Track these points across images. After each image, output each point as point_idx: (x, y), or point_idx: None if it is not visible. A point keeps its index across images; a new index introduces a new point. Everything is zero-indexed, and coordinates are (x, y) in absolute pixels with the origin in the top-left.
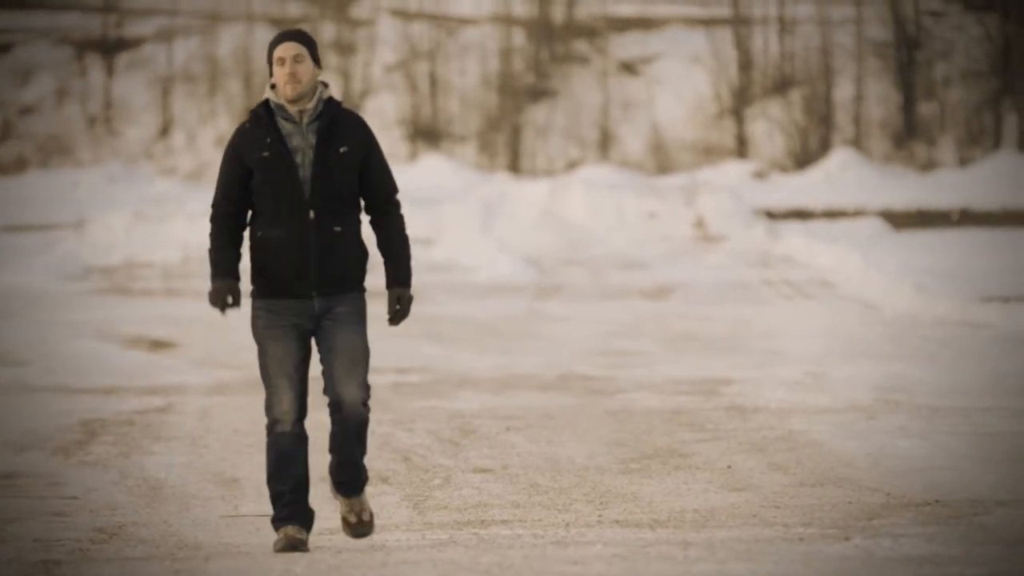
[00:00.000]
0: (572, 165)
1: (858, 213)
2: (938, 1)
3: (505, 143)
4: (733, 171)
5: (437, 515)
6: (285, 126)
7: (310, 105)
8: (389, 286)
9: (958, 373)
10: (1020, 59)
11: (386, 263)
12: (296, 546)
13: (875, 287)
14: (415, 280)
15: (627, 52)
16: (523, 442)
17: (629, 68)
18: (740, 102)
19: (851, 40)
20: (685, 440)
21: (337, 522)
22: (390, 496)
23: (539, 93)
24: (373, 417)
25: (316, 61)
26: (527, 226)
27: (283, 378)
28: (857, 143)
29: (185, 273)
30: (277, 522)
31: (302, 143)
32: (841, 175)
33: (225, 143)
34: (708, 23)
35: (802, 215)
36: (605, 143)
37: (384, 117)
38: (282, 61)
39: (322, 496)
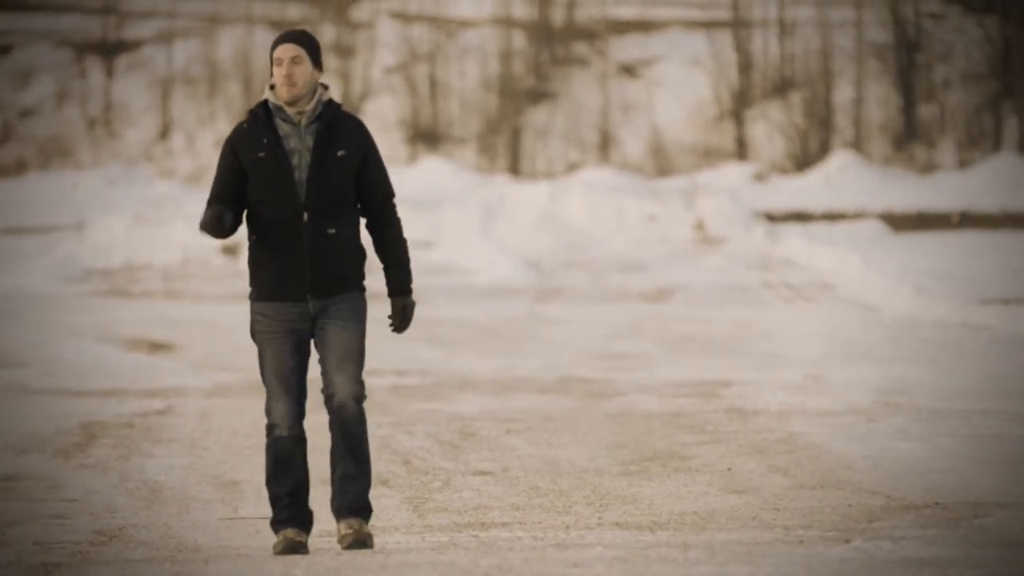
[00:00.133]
0: (572, 167)
1: (858, 215)
2: (938, 3)
3: (505, 145)
4: (733, 173)
5: (437, 517)
6: (283, 127)
7: (308, 107)
8: (391, 294)
9: (958, 375)
10: (1020, 61)
11: (386, 269)
12: (296, 549)
13: (875, 289)
14: (415, 283)
15: (627, 54)
16: (523, 444)
17: (629, 70)
18: (740, 104)
19: (851, 42)
20: (685, 442)
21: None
22: (390, 499)
23: (539, 95)
24: (373, 419)
25: (316, 64)
26: (527, 228)
27: (280, 383)
28: (857, 145)
29: (185, 275)
30: (276, 524)
31: (299, 145)
32: (841, 177)
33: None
34: (708, 26)
35: (802, 217)
36: (605, 145)
37: (384, 119)
38: (280, 62)
39: (323, 497)
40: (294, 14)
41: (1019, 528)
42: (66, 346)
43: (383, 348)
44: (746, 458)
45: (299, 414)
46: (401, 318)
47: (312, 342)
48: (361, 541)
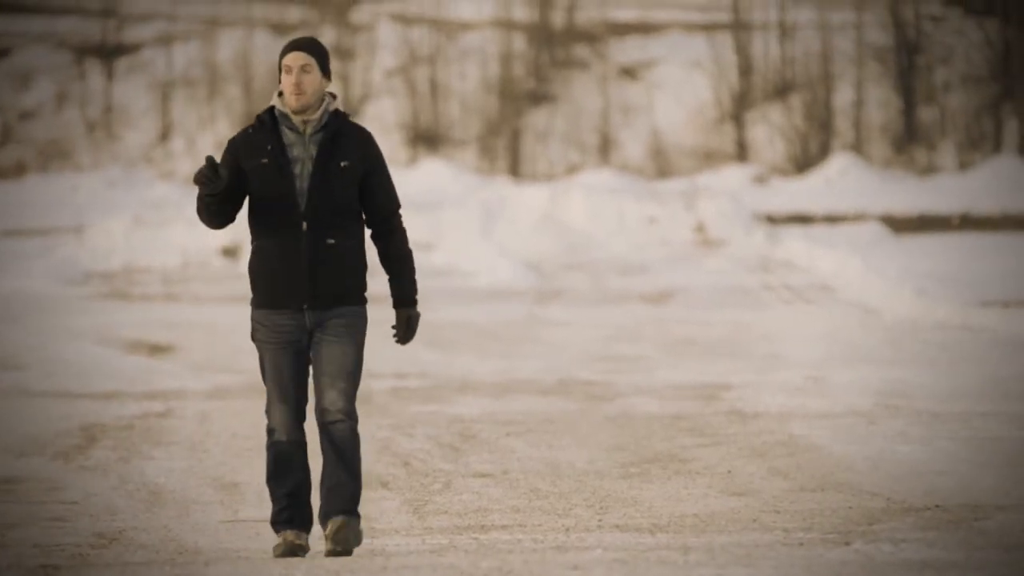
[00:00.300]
0: (572, 170)
1: (858, 217)
2: (938, 6)
3: (505, 147)
4: (733, 176)
5: (437, 520)
6: (288, 135)
7: (314, 116)
8: (396, 305)
9: (958, 377)
10: (1020, 64)
11: (390, 281)
12: (295, 551)
13: (875, 291)
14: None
15: (627, 57)
16: (523, 447)
17: (629, 73)
18: (740, 107)
19: (851, 45)
20: (685, 445)
21: None
22: (390, 501)
23: (539, 98)
24: (372, 422)
25: (325, 72)
26: (527, 231)
27: (279, 390)
28: (857, 148)
29: (184, 278)
30: (276, 524)
31: (303, 154)
32: (841, 180)
33: (225, 146)
34: (708, 28)
35: (802, 220)
36: (605, 148)
37: (384, 122)
38: (289, 70)
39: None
40: (294, 16)
41: (1019, 530)
42: (66, 348)
43: (383, 351)
44: (746, 460)
45: (298, 420)
46: (405, 329)
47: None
48: (345, 538)
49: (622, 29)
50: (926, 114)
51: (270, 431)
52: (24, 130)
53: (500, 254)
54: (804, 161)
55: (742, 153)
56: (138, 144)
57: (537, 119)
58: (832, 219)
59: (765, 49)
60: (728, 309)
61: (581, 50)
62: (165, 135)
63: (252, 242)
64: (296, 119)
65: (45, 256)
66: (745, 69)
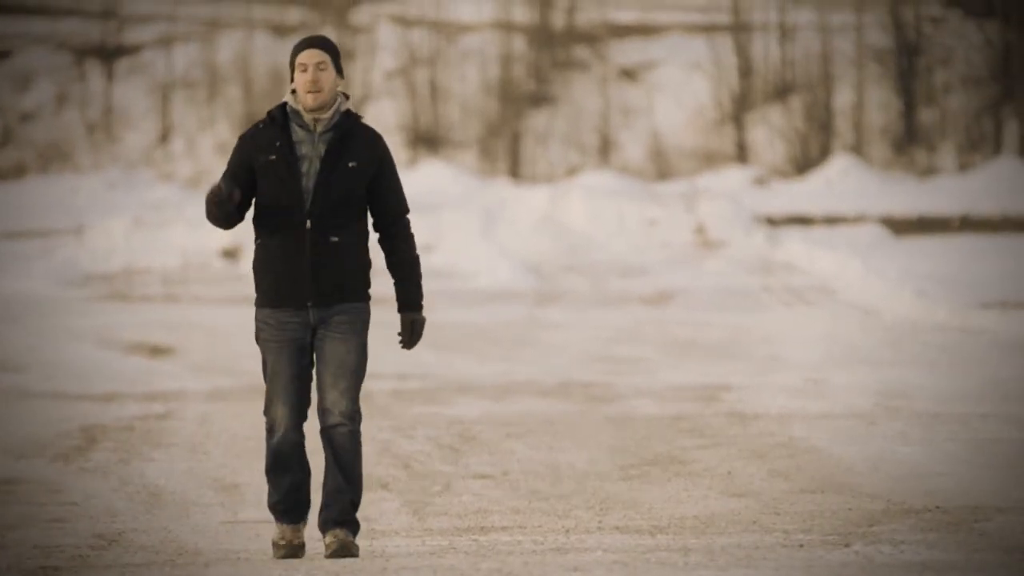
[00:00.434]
0: (572, 171)
1: (858, 219)
2: (938, 7)
3: (505, 149)
4: (733, 177)
5: (437, 521)
6: (298, 132)
7: (326, 115)
8: (400, 310)
9: (958, 379)
10: (1020, 65)
11: (396, 285)
12: (295, 553)
13: (875, 293)
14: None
15: (627, 59)
16: (523, 448)
17: (629, 74)
18: (740, 108)
19: (851, 46)
20: (685, 446)
21: None
22: (390, 502)
23: (539, 99)
24: (373, 424)
25: (339, 70)
26: (527, 232)
27: (280, 390)
28: (857, 149)
29: (184, 279)
30: (275, 513)
31: (311, 152)
32: (841, 181)
33: (227, 148)
34: (708, 30)
35: (802, 221)
36: (605, 149)
37: (384, 123)
38: (304, 68)
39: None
40: (294, 18)
41: (1019, 532)
42: (66, 350)
43: (384, 352)
44: (746, 462)
45: (298, 420)
46: (410, 334)
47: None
48: (346, 548)
49: (622, 31)
50: (926, 116)
51: (269, 430)
52: (24, 131)
53: (500, 255)
54: (804, 163)
55: (742, 155)
56: (138, 145)
57: (537, 121)
58: (832, 221)
59: (765, 51)
60: (728, 311)
61: (581, 52)
62: (165, 136)
63: (256, 240)
64: (307, 117)
65: (45, 257)
66: (745, 71)
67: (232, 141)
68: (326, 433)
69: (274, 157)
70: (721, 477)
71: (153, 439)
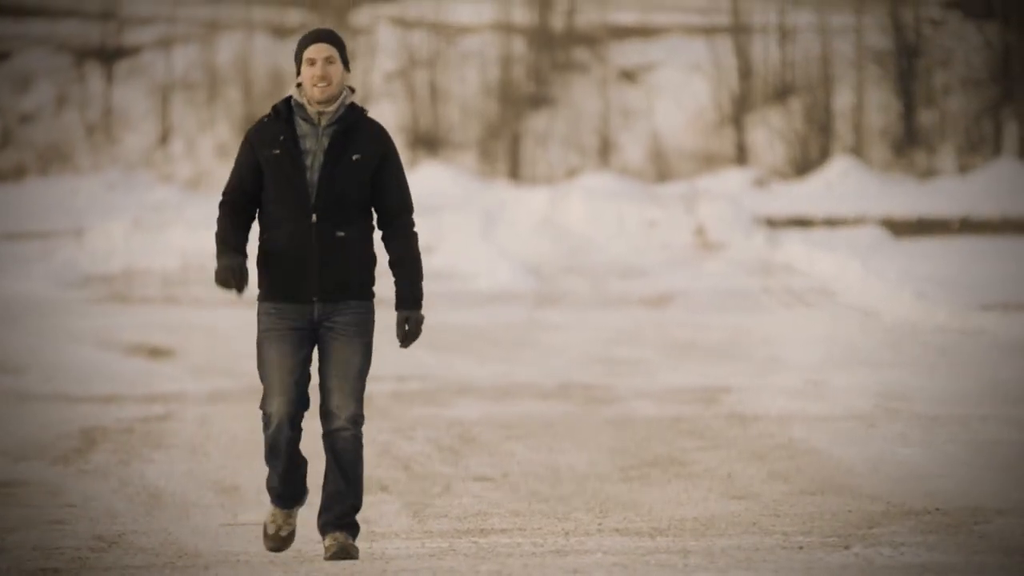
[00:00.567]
0: (572, 173)
1: (858, 221)
2: (938, 9)
3: (505, 151)
4: (733, 179)
5: (437, 523)
6: (302, 126)
7: (331, 108)
8: (398, 307)
9: (958, 381)
10: (1020, 67)
11: (396, 282)
12: (282, 545)
13: (875, 295)
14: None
15: (627, 60)
16: (523, 450)
17: (629, 76)
18: (740, 110)
19: (851, 48)
20: (685, 448)
21: None
22: (390, 504)
23: (539, 101)
24: (373, 425)
25: (345, 64)
26: (527, 234)
27: (277, 381)
28: (857, 151)
29: (184, 280)
30: (272, 495)
31: (315, 146)
32: (841, 183)
33: (227, 149)
34: (708, 31)
35: (802, 223)
36: (605, 151)
37: (384, 125)
38: (312, 62)
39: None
40: (294, 20)
41: (1019, 534)
42: (66, 351)
43: (384, 354)
44: (746, 464)
45: (295, 414)
46: (405, 332)
47: (315, 348)
48: (345, 551)
49: (622, 32)
50: (926, 117)
51: (265, 423)
52: (24, 133)
53: (500, 257)
54: (804, 164)
55: (742, 156)
56: (138, 147)
57: (537, 122)
58: (832, 222)
59: (765, 52)
60: (728, 312)
61: (581, 53)
62: (165, 138)
63: (261, 234)
64: (311, 110)
65: (45, 259)
66: (745, 72)
67: (232, 143)
68: (329, 436)
69: (278, 151)
70: (721, 479)
71: (153, 441)
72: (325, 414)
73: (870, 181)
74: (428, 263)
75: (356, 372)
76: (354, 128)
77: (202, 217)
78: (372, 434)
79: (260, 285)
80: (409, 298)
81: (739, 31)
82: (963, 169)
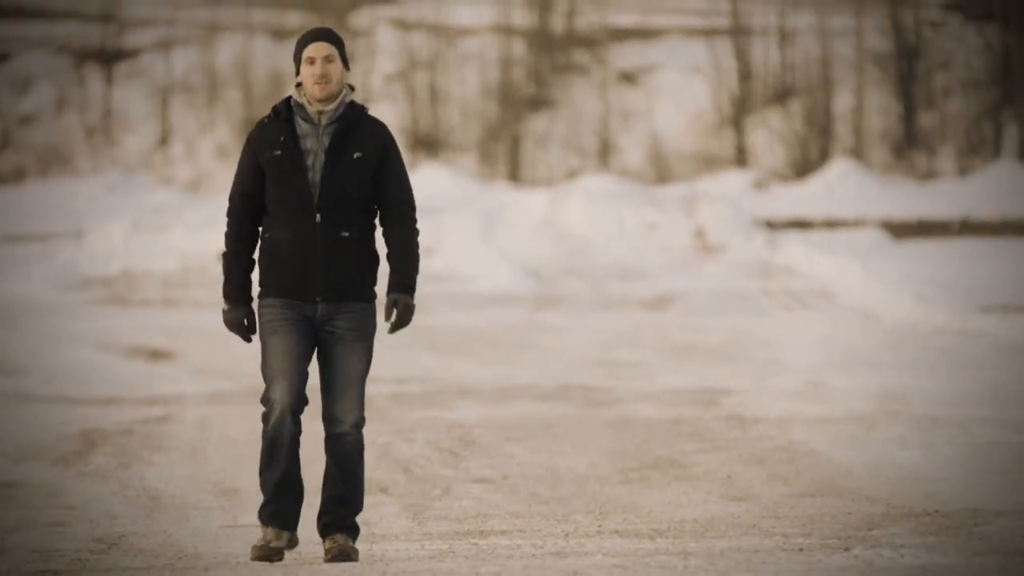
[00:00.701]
0: (572, 175)
1: (858, 223)
2: (938, 11)
3: (505, 153)
4: (733, 181)
5: (436, 525)
6: (302, 126)
7: (331, 107)
8: (390, 291)
9: (957, 383)
10: (1020, 69)
11: (392, 269)
12: (270, 556)
13: (875, 297)
14: (416, 290)
15: (627, 62)
16: (523, 452)
17: (629, 78)
18: (740, 112)
19: (851, 50)
20: (685, 450)
21: None
22: (389, 506)
23: (539, 103)
24: (373, 428)
25: (345, 63)
26: (527, 236)
27: (279, 370)
28: (857, 153)
29: (184, 283)
30: (261, 518)
31: (315, 145)
32: (841, 185)
33: (226, 152)
34: (708, 33)
35: (802, 225)
36: (605, 153)
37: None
38: (312, 61)
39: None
40: (293, 22)
41: (1019, 536)
42: (65, 354)
43: (383, 355)
44: (746, 466)
45: (296, 408)
46: (394, 316)
47: (316, 349)
48: (345, 553)
49: (622, 34)
50: (926, 119)
51: (265, 417)
52: (23, 135)
53: (500, 259)
54: (804, 166)
55: (742, 158)
56: (137, 149)
57: (537, 124)
58: (832, 224)
59: (765, 54)
60: (728, 314)
61: (581, 55)
62: (164, 140)
63: (264, 234)
64: (311, 110)
65: (44, 261)
66: (745, 74)
67: (231, 145)
68: (332, 440)
69: (279, 152)
70: (721, 481)
71: (153, 443)
72: (328, 418)
73: (870, 183)
74: (428, 265)
75: (359, 377)
76: (354, 126)
77: (202, 219)
78: (372, 436)
79: (262, 284)
80: (404, 283)
81: (739, 33)
82: (963, 171)
